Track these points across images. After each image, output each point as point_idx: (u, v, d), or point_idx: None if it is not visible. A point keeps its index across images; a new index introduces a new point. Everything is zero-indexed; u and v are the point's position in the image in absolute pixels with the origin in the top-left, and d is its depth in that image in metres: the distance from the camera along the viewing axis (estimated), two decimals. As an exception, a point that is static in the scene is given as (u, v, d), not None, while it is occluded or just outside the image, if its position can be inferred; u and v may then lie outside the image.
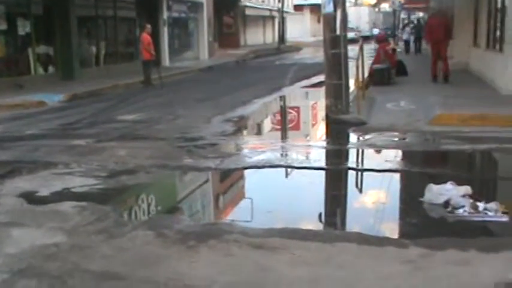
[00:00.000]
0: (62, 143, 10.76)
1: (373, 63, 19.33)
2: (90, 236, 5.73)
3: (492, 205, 6.28)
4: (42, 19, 21.83)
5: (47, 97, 17.20)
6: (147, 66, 21.28)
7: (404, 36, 40.29)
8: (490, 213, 6.17)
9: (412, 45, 37.75)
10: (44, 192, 7.49)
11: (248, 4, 51.92)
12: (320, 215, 6.82)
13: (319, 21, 56.58)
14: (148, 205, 7.37)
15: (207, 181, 8.67)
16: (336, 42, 12.41)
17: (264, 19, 59.90)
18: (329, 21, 12.46)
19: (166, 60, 29.88)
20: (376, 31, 25.84)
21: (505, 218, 6.06)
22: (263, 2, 58.66)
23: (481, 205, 6.31)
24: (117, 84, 20.78)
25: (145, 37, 21.40)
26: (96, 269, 4.93)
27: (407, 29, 41.18)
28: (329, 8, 12.37)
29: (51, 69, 22.51)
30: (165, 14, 30.65)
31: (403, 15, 60.81)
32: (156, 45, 23.47)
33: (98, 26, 25.60)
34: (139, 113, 14.43)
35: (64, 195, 7.36)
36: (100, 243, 5.51)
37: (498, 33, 16.83)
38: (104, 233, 5.80)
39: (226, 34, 47.98)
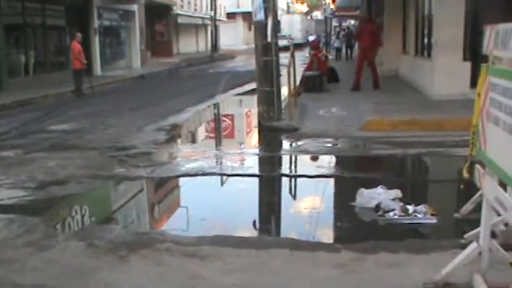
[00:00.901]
0: (-11, 155, 10.48)
1: (305, 70, 19.49)
2: (19, 249, 5.58)
3: (421, 208, 6.42)
4: (-36, 27, 21.21)
5: (-27, 108, 16.73)
6: (78, 75, 20.91)
7: (336, 44, 41.03)
8: (419, 216, 6.30)
9: (343, 52, 38.47)
10: (-31, 206, 7.25)
11: (180, 12, 51.78)
12: (254, 222, 6.82)
13: (251, 28, 56.88)
14: (79, 216, 7.22)
15: (139, 190, 8.57)
16: (267, 49, 12.49)
17: (197, 27, 59.81)
18: (260, 29, 12.53)
19: (98, 69, 29.49)
20: (312, 38, 26.09)
21: (433, 220, 6.20)
22: (195, 10, 58.62)
23: (410, 208, 6.43)
24: (48, 94, 20.33)
25: (76, 46, 20.98)
26: (25, 283, 4.81)
27: (340, 36, 42.07)
28: (260, 16, 12.44)
29: (-23, 79, 21.87)
30: (96, 23, 30.24)
31: (334, 22, 61.84)
32: (87, 54, 23.09)
33: (26, 35, 25.03)
34: (70, 123, 14.16)
35: (-9, 208, 7.15)
36: (29, 256, 5.37)
37: (426, 40, 17.23)
38: (33, 245, 5.66)
39: (158, 42, 47.63)
